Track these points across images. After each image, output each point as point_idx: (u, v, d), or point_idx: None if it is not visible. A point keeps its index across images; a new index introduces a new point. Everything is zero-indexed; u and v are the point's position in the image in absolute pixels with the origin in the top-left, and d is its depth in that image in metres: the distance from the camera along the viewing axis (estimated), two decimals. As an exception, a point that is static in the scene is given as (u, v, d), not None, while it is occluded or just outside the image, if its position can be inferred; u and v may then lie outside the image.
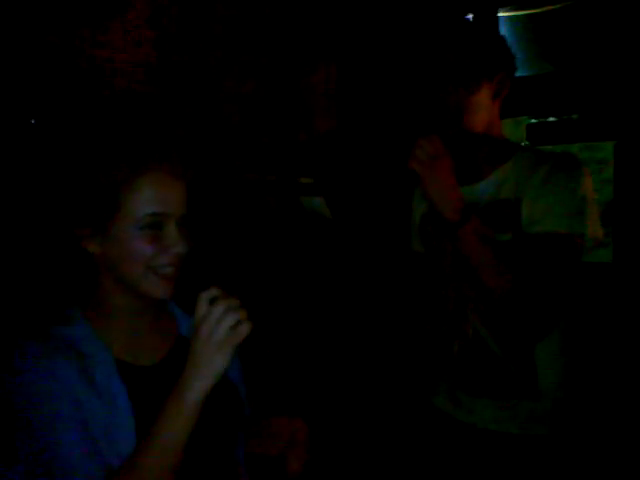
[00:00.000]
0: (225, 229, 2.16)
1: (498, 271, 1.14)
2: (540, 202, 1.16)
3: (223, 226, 2.15)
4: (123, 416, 0.83)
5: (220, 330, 0.77)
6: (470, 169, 1.29)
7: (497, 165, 1.26)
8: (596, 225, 1.17)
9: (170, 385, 0.81)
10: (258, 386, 1.22)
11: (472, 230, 1.14)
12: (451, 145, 1.19)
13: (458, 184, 1.17)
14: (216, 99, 2.25)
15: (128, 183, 0.85)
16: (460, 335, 1.29)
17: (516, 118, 2.12)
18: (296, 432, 1.07)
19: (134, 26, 2.05)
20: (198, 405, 0.79)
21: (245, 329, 0.78)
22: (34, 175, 1.64)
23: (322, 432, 2.15)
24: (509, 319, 1.19)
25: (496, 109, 1.27)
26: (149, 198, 0.86)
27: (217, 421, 0.94)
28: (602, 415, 1.86)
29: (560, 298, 1.17)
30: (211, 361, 0.78)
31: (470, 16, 2.20)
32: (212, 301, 0.79)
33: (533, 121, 2.12)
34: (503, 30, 2.14)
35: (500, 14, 2.18)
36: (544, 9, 2.10)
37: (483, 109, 1.24)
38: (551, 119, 2.09)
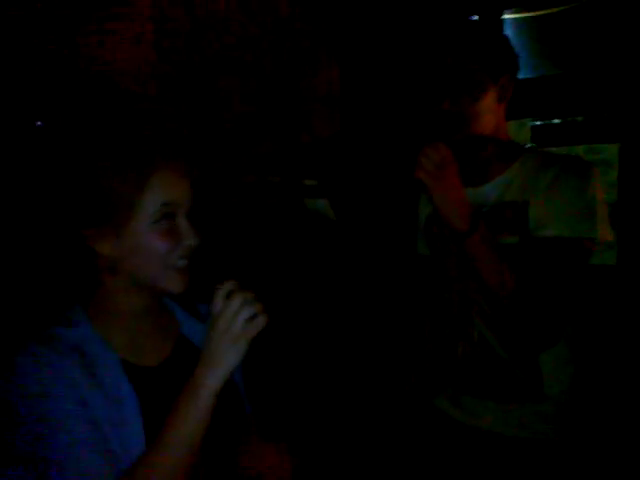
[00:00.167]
0: (227, 229, 2.16)
1: (502, 272, 1.13)
2: (548, 205, 1.15)
3: (225, 226, 2.15)
4: (132, 416, 0.83)
5: (237, 323, 0.78)
6: (476, 171, 1.28)
7: (503, 167, 1.25)
8: (606, 228, 1.15)
9: (177, 384, 0.81)
10: (258, 386, 1.22)
11: (480, 239, 1.13)
12: (457, 149, 1.18)
13: (464, 186, 1.16)
14: (217, 100, 2.25)
15: (141, 183, 0.86)
16: (464, 338, 1.28)
17: (520, 120, 2.12)
18: (279, 464, 1.00)
19: (134, 26, 2.05)
20: (213, 400, 0.80)
21: (261, 322, 0.79)
22: (39, 178, 1.64)
23: (322, 433, 2.15)
24: (515, 322, 1.18)
25: (502, 112, 1.26)
26: (160, 192, 0.87)
27: (219, 420, 0.93)
28: (607, 418, 1.85)
29: (567, 302, 1.17)
30: (226, 355, 0.79)
31: (475, 17, 2.19)
32: (228, 295, 0.80)
33: (538, 123, 2.12)
34: (508, 32, 2.13)
35: (505, 16, 2.18)
36: (549, 11, 2.09)
37: (489, 113, 1.22)
38: (556, 121, 2.09)
